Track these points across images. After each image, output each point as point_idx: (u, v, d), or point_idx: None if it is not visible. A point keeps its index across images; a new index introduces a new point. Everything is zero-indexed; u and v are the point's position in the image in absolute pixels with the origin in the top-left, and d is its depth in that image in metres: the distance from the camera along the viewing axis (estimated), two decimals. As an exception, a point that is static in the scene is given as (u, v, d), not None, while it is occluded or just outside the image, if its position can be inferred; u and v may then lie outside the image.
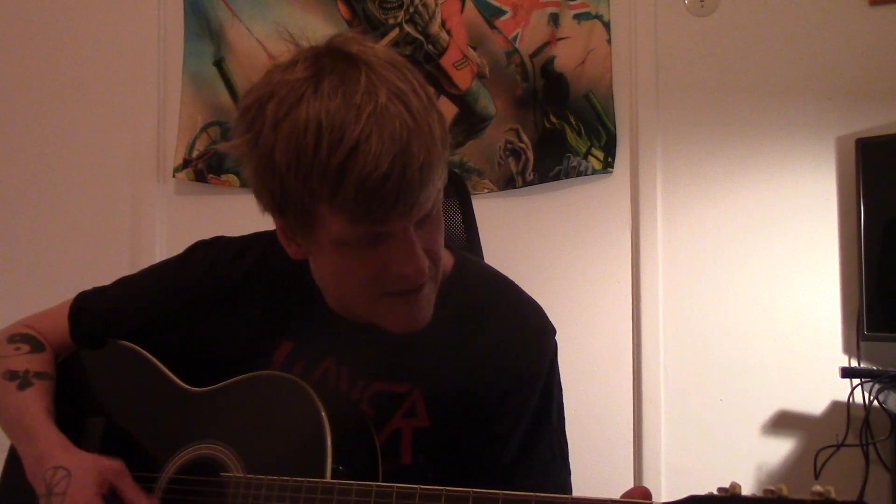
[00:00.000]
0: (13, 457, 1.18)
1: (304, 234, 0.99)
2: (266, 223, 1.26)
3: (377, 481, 1.00)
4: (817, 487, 0.72)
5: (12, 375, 1.18)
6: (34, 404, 1.15)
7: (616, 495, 0.87)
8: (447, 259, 1.16)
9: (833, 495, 0.72)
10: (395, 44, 2.50)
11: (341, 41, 0.95)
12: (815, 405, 2.27)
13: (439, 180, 0.95)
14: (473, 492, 0.90)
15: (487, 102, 2.50)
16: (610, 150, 2.44)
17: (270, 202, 0.97)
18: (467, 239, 1.61)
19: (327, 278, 1.06)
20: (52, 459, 1.08)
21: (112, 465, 1.07)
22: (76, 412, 1.17)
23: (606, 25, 2.46)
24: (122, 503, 1.06)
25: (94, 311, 1.25)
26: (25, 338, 1.23)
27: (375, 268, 0.97)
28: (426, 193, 0.92)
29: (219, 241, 1.23)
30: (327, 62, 0.92)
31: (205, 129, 2.62)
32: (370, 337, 1.11)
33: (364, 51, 0.94)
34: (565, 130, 2.46)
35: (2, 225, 2.73)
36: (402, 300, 1.01)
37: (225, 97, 2.62)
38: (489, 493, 0.90)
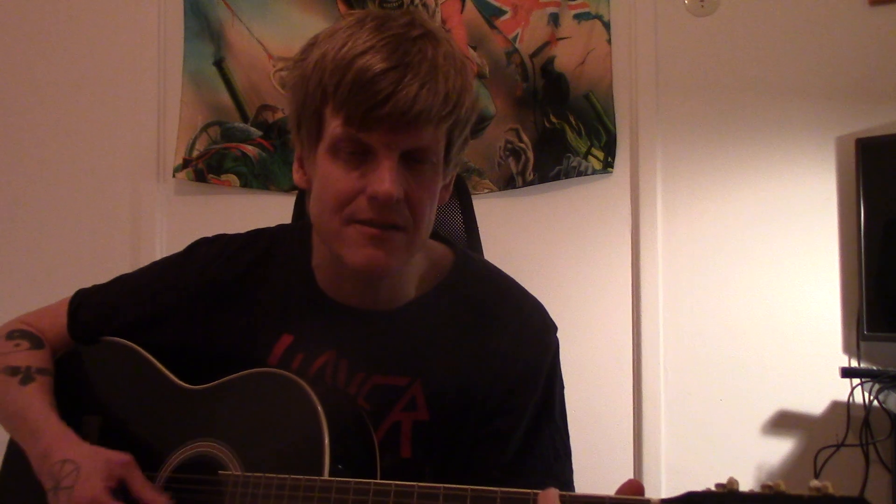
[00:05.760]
0: (11, 452, 1.18)
1: (310, 148, 1.05)
2: (266, 223, 1.27)
3: (375, 478, 1.00)
4: (815, 483, 0.72)
5: (14, 371, 1.18)
6: (38, 399, 1.15)
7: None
8: (447, 255, 1.17)
9: (830, 491, 0.72)
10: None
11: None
12: (815, 405, 2.27)
13: (444, 127, 1.01)
14: (471, 489, 0.90)
15: (487, 102, 2.50)
16: (610, 150, 2.44)
17: (295, 117, 1.06)
18: (467, 239, 1.60)
19: (313, 200, 1.08)
20: (59, 453, 1.07)
21: (120, 458, 1.07)
22: (73, 410, 1.16)
23: (606, 25, 2.46)
24: (130, 497, 1.05)
25: (92, 305, 1.25)
26: (24, 334, 1.23)
27: (353, 187, 1.01)
28: (421, 119, 0.97)
29: (221, 238, 1.24)
30: (382, 13, 1.03)
31: (205, 129, 2.62)
32: (371, 330, 1.12)
33: (420, 18, 1.04)
34: (565, 130, 2.45)
35: (2, 225, 2.73)
36: (368, 233, 1.01)
37: (225, 97, 2.61)
38: (487, 490, 0.90)
